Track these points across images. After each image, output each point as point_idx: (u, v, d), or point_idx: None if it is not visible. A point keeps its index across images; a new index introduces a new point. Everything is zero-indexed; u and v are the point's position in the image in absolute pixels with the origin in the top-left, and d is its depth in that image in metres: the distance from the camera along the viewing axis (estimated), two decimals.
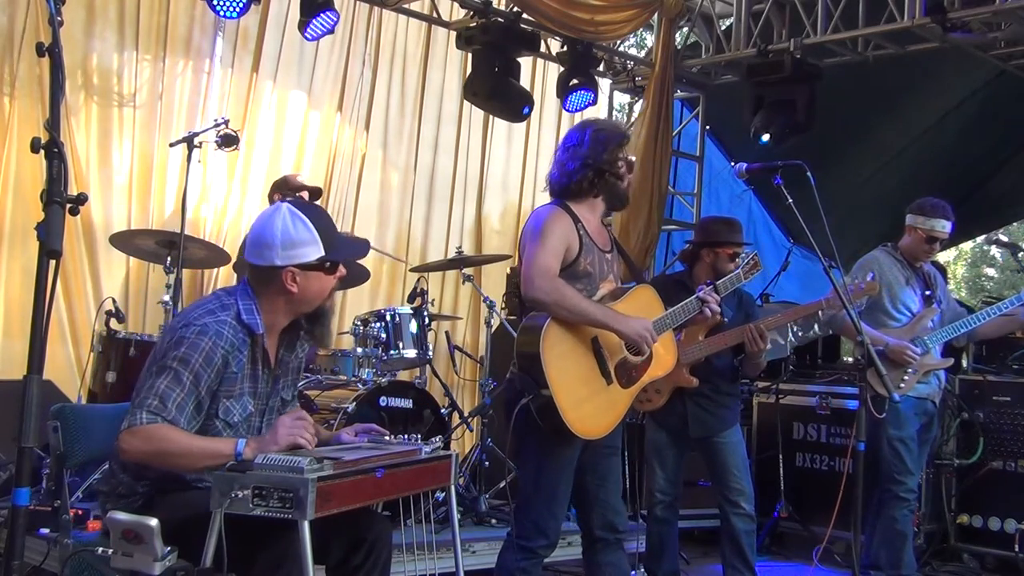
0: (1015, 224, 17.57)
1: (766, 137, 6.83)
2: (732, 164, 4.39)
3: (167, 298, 4.89)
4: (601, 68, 7.83)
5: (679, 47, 7.65)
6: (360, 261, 5.82)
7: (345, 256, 2.91)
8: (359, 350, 5.22)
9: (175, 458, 2.58)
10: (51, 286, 2.01)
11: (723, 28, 7.51)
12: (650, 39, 9.00)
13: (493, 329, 5.83)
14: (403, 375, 5.64)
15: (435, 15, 7.11)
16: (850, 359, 7.04)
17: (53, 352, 5.53)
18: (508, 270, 6.94)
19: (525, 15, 6.62)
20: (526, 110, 6.92)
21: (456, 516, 3.21)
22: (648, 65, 7.64)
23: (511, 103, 6.82)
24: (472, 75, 6.81)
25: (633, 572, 4.32)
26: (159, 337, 2.78)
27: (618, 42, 8.62)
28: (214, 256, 5.47)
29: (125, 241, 5.34)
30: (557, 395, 3.16)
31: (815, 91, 6.74)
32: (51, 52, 2.07)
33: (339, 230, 3.29)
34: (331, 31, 6.00)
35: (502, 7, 6.84)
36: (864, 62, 6.98)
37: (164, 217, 6.21)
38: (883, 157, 8.68)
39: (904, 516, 4.60)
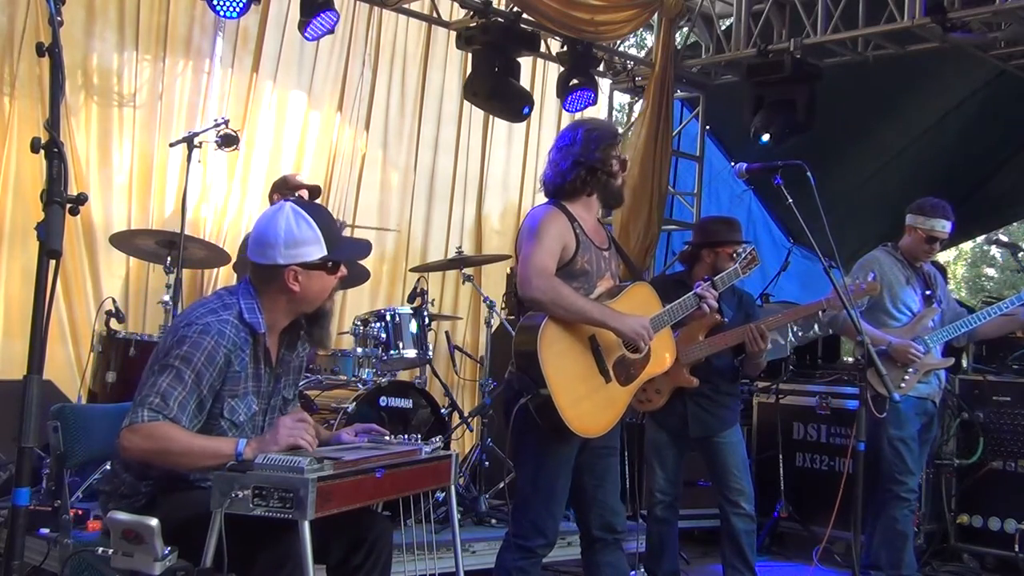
0: (1015, 224, 17.56)
1: (766, 137, 6.83)
2: (732, 164, 4.40)
3: (167, 298, 4.89)
4: (601, 68, 7.83)
5: (679, 47, 7.65)
6: (360, 261, 5.87)
7: (347, 256, 2.92)
8: (359, 350, 5.22)
9: (175, 456, 2.57)
10: (51, 286, 2.01)
11: (723, 28, 7.51)
12: (650, 39, 9.00)
13: (493, 329, 5.83)
14: (403, 375, 5.64)
15: (435, 15, 7.11)
16: (850, 359, 7.04)
17: (53, 352, 5.53)
18: (508, 270, 6.93)
19: (525, 15, 6.62)
20: (526, 110, 6.92)
21: (456, 516, 3.21)
22: (648, 65, 7.64)
23: (511, 103, 6.82)
24: (472, 75, 6.81)
25: (633, 572, 4.33)
26: (161, 336, 2.78)
27: (618, 42, 8.62)
28: (214, 256, 5.47)
29: (125, 241, 5.34)
30: (555, 393, 3.17)
31: (815, 91, 6.74)
32: (51, 52, 2.07)
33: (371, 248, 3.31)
34: (331, 31, 6.00)
35: (502, 7, 6.84)
36: (864, 62, 6.98)
37: (164, 217, 6.21)
38: (883, 157, 8.68)
39: (905, 516, 4.60)
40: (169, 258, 4.94)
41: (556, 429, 3.21)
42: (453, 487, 3.09)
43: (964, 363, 5.96)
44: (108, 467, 3.36)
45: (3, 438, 4.43)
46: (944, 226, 4.67)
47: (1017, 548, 5.25)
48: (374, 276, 6.65)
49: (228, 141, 5.18)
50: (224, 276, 6.19)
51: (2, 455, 4.60)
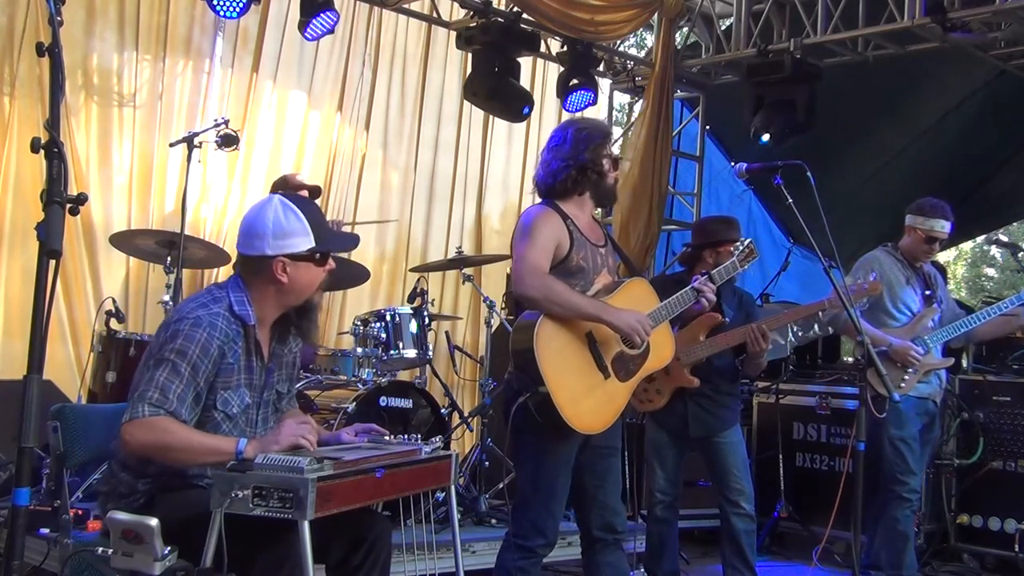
0: (1015, 224, 17.57)
1: (766, 137, 6.83)
2: (732, 164, 4.40)
3: (167, 298, 4.89)
4: (601, 68, 7.83)
5: (679, 47, 7.65)
6: (360, 261, 5.87)
7: (335, 248, 2.95)
8: (359, 350, 5.22)
9: (176, 452, 2.58)
10: (51, 286, 2.01)
11: (723, 28, 7.51)
12: (650, 39, 9.00)
13: (493, 329, 5.83)
14: (403, 375, 5.64)
15: (435, 15, 7.11)
16: (850, 359, 7.04)
17: (53, 352, 5.53)
18: (508, 270, 6.92)
19: (525, 15, 6.61)
20: (526, 110, 6.92)
21: (456, 516, 3.21)
22: (648, 65, 7.64)
23: (511, 103, 6.82)
24: (472, 75, 6.81)
25: (633, 572, 4.33)
26: (154, 334, 2.78)
27: (618, 42, 8.62)
28: (214, 256, 5.47)
29: (125, 241, 5.35)
30: (553, 391, 3.17)
31: (815, 91, 6.74)
32: (51, 52, 2.07)
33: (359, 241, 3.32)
34: (331, 31, 5.99)
35: (502, 7, 6.84)
36: (864, 62, 6.98)
37: (164, 217, 6.21)
38: (883, 157, 8.68)
39: (906, 517, 4.59)
40: (169, 258, 4.95)
41: (556, 427, 3.21)
42: (453, 487, 3.09)
43: (964, 363, 5.97)
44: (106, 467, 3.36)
45: (3, 438, 4.43)
46: (943, 226, 4.67)
47: (1017, 548, 5.25)
48: (374, 276, 6.65)
49: (228, 141, 5.18)
50: (224, 276, 6.16)
51: (2, 455, 4.59)
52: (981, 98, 8.12)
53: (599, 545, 3.48)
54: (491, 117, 7.75)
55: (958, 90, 8.13)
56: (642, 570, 4.49)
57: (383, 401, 4.88)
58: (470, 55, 6.91)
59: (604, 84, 8.06)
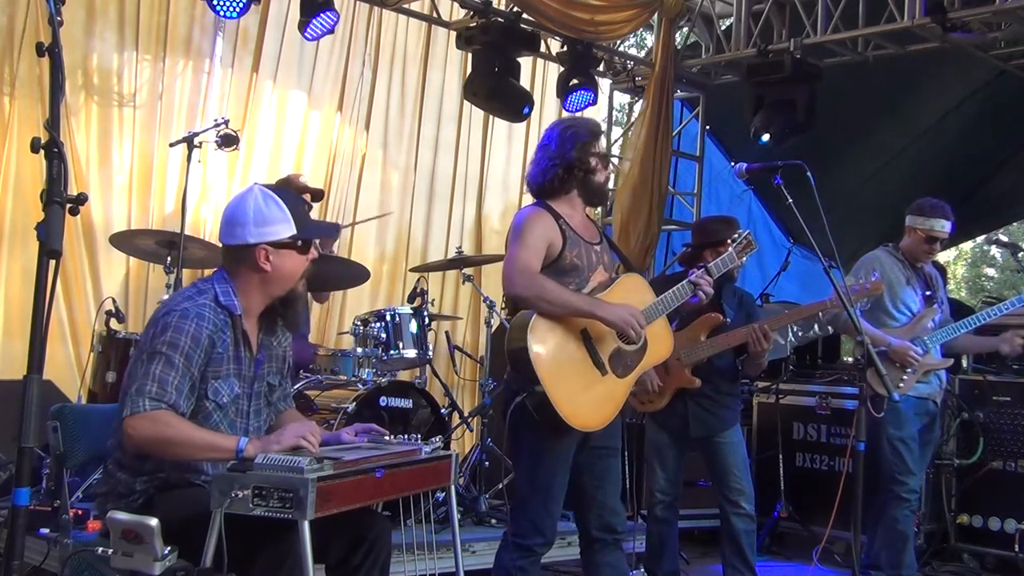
0: (1015, 224, 17.57)
1: (766, 137, 6.83)
2: (732, 164, 4.39)
3: (167, 298, 4.88)
4: (601, 68, 7.83)
5: (679, 47, 7.65)
6: (360, 261, 5.87)
7: (317, 234, 2.97)
8: (359, 350, 5.22)
9: (176, 447, 2.59)
10: (51, 286, 2.01)
11: (723, 28, 7.51)
12: (650, 39, 9.00)
13: (493, 329, 5.83)
14: (403, 375, 5.64)
15: (435, 15, 7.11)
16: (850, 359, 7.04)
17: (53, 352, 5.52)
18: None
19: (525, 15, 6.61)
20: (526, 110, 6.92)
21: (456, 516, 3.22)
22: (648, 65, 7.64)
23: (511, 103, 6.82)
24: (472, 75, 6.81)
25: (633, 572, 4.33)
26: (143, 330, 2.80)
27: (618, 42, 8.62)
28: (214, 256, 5.44)
29: (125, 241, 5.34)
30: (550, 390, 3.17)
31: (815, 91, 6.74)
32: (51, 52, 2.07)
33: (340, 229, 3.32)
34: (331, 31, 5.99)
35: (502, 7, 6.84)
36: (864, 62, 6.98)
37: (164, 217, 6.21)
38: (883, 157, 8.68)
39: (905, 516, 4.59)
40: (169, 258, 4.94)
41: (555, 426, 3.21)
42: (453, 487, 3.09)
43: (964, 363, 5.96)
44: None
45: (3, 438, 4.43)
46: (944, 226, 4.67)
47: (1017, 548, 5.25)
48: (374, 276, 6.65)
49: (228, 141, 5.18)
50: None
51: (2, 455, 4.59)
52: (981, 98, 8.12)
53: (598, 545, 3.48)
54: (491, 117, 7.75)
55: (958, 90, 8.13)
56: (642, 570, 4.49)
57: (383, 401, 4.87)
58: (470, 55, 6.91)
59: (604, 84, 8.06)
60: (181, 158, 5.60)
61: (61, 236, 2.02)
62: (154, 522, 2.24)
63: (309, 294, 5.97)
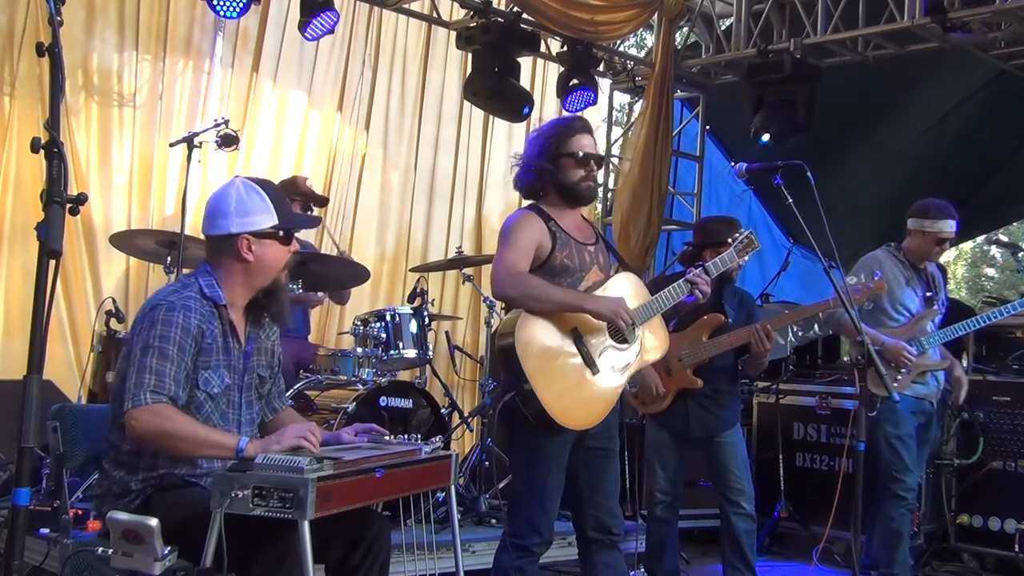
0: (1015, 224, 17.57)
1: (766, 137, 6.83)
2: (732, 164, 4.38)
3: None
4: (601, 68, 7.83)
5: (679, 47, 7.65)
6: (360, 261, 5.86)
7: (298, 225, 3.00)
8: (359, 350, 5.22)
9: (178, 441, 2.60)
10: (51, 286, 2.01)
11: (723, 28, 7.51)
12: (650, 39, 9.00)
13: (493, 329, 5.82)
14: (403, 375, 5.64)
15: (435, 15, 7.11)
16: (847, 358, 7.04)
17: (53, 352, 5.52)
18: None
19: (525, 15, 6.62)
20: (526, 110, 6.92)
21: (456, 516, 3.22)
22: (648, 65, 7.64)
23: (511, 103, 6.82)
24: (472, 75, 6.81)
25: (633, 572, 4.33)
26: (131, 329, 2.81)
27: (618, 42, 8.62)
28: None
29: (125, 241, 5.34)
30: (538, 388, 3.17)
31: (815, 91, 6.74)
32: (51, 52, 2.07)
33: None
34: (331, 31, 6.00)
35: (502, 7, 6.84)
36: (864, 62, 6.98)
37: (164, 217, 6.20)
38: (883, 157, 8.68)
39: (901, 515, 4.60)
40: (169, 258, 4.94)
41: (545, 424, 3.21)
42: (453, 487, 3.09)
43: (964, 363, 5.96)
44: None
45: (3, 438, 4.43)
46: (952, 226, 4.68)
47: (1017, 548, 5.25)
48: (374, 276, 6.64)
49: (228, 141, 5.17)
50: None
51: (2, 455, 4.59)
52: (981, 98, 8.12)
53: (595, 546, 3.47)
54: (491, 117, 7.75)
55: (958, 90, 8.13)
56: (642, 570, 4.49)
57: (383, 401, 4.88)
58: (470, 55, 6.91)
59: (604, 84, 8.07)
60: (181, 158, 5.60)
61: (61, 236, 2.02)
62: (154, 522, 2.25)
63: (328, 299, 5.99)
